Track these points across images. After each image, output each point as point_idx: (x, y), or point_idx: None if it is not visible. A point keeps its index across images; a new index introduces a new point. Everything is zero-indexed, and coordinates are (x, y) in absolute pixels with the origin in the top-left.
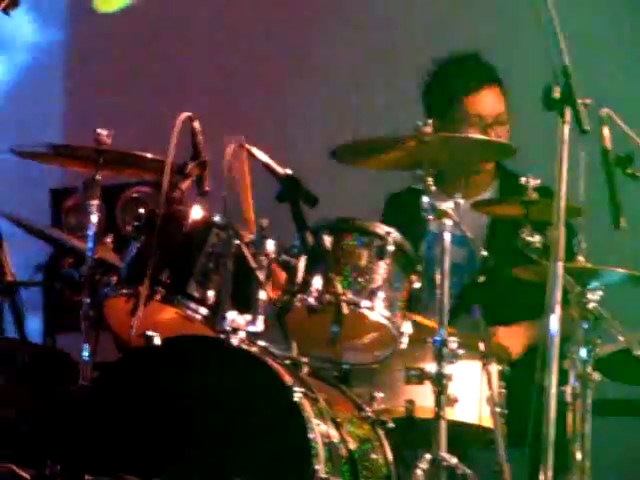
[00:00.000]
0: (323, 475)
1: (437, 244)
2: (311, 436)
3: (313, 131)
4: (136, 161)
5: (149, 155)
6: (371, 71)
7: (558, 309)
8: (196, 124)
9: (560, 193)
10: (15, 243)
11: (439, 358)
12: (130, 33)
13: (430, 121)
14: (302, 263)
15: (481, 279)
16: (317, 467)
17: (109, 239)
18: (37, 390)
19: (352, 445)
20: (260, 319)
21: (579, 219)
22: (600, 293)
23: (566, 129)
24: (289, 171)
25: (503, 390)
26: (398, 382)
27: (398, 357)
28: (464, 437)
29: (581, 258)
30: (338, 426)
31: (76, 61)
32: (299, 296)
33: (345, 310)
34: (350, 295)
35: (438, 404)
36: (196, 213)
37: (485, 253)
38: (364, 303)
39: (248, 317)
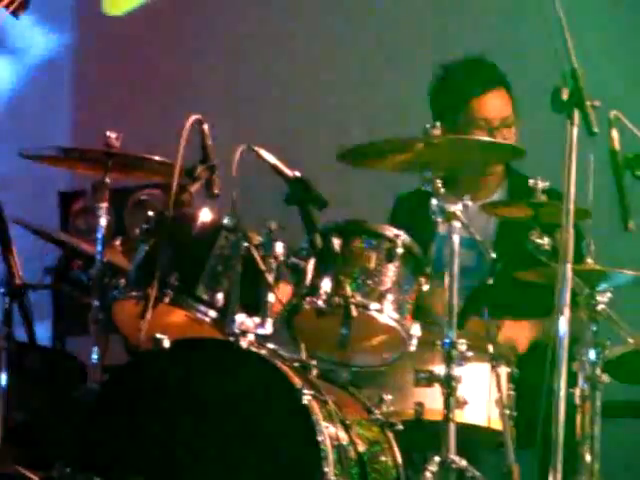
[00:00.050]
0: (332, 477)
1: (446, 246)
2: (320, 439)
3: (322, 133)
4: (145, 164)
5: (158, 158)
6: (380, 73)
7: (567, 311)
8: (205, 127)
9: (569, 195)
10: (24, 246)
11: (448, 360)
12: (139, 35)
13: (438, 124)
14: (311, 265)
15: (490, 281)
16: (326, 470)
17: (118, 242)
18: (46, 393)
19: (361, 447)
20: (269, 321)
21: (588, 221)
22: (609, 295)
23: (575, 131)
24: (298, 173)
25: (512, 392)
26: (407, 384)
27: (407, 359)
28: (473, 439)
29: (590, 260)
30: (347, 428)
31: (85, 64)
32: (308, 298)
33: (354, 312)
34: (359, 297)
35: (447, 406)
36: (205, 216)
37: (494, 255)
38: (373, 306)
39: (257, 319)
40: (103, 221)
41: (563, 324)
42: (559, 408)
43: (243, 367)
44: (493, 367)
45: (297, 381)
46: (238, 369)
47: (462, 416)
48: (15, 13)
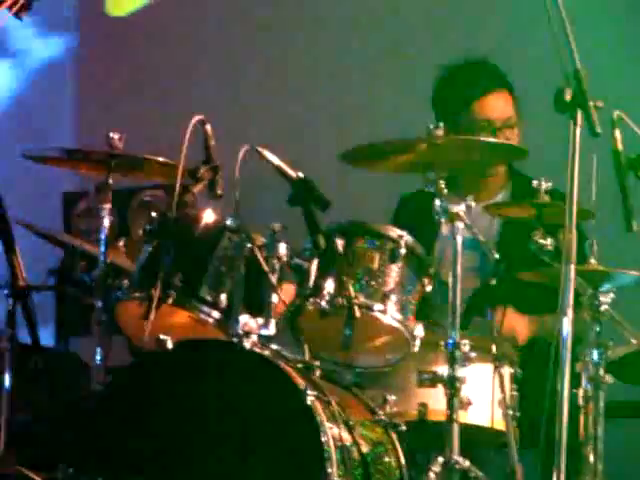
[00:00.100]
0: (336, 478)
1: (449, 247)
2: (324, 439)
3: (325, 134)
4: (148, 165)
5: (161, 159)
6: (383, 73)
7: (570, 312)
8: (208, 127)
9: (572, 196)
10: (27, 247)
11: (451, 361)
12: (141, 36)
13: (441, 124)
14: (314, 266)
15: (493, 282)
16: (330, 470)
17: (121, 243)
18: (49, 394)
19: (365, 448)
20: (272, 322)
21: (591, 222)
22: (612, 295)
23: (578, 132)
24: (301, 174)
25: (515, 393)
26: (410, 385)
27: (410, 360)
28: (477, 440)
29: (593, 260)
30: (351, 429)
31: (87, 65)
32: (311, 299)
33: (357, 313)
34: (362, 298)
35: (450, 407)
36: (208, 216)
37: (497, 256)
38: (376, 306)
39: (260, 320)
40: (106, 222)
41: (566, 325)
42: (562, 409)
43: (246, 368)
44: (496, 368)
45: (301, 382)
46: (241, 370)
47: (465, 417)
48: (17, 15)
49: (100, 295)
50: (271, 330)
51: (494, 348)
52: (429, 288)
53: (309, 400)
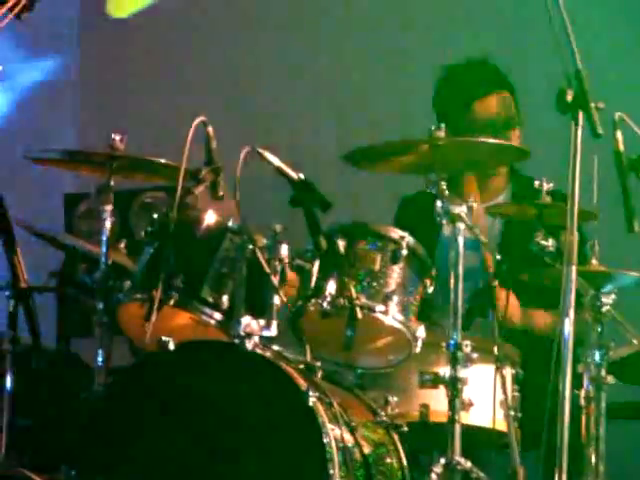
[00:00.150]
0: (338, 479)
1: (451, 248)
2: (326, 440)
3: (326, 135)
4: (149, 166)
5: (162, 160)
6: (384, 74)
7: (572, 313)
8: (210, 129)
9: (573, 197)
10: (29, 248)
11: (453, 362)
12: (143, 37)
13: (443, 125)
14: (316, 267)
15: (495, 283)
16: (332, 472)
17: (123, 244)
18: (51, 395)
19: (367, 449)
20: (274, 324)
21: (593, 222)
22: (613, 296)
23: (579, 133)
24: (302, 175)
25: (517, 393)
26: (412, 386)
27: (412, 361)
28: (478, 441)
29: (594, 261)
30: (353, 430)
31: (89, 66)
32: (313, 300)
33: (359, 314)
34: (364, 299)
35: (452, 408)
36: (210, 218)
37: (499, 257)
38: (378, 307)
39: (262, 322)
40: (108, 223)
41: (568, 326)
42: (564, 409)
43: (248, 369)
44: (498, 368)
45: (302, 383)
46: (243, 371)
47: (467, 418)
48: (19, 15)
49: (101, 296)
50: (273, 331)
51: (496, 349)
52: (431, 289)
53: (311, 401)
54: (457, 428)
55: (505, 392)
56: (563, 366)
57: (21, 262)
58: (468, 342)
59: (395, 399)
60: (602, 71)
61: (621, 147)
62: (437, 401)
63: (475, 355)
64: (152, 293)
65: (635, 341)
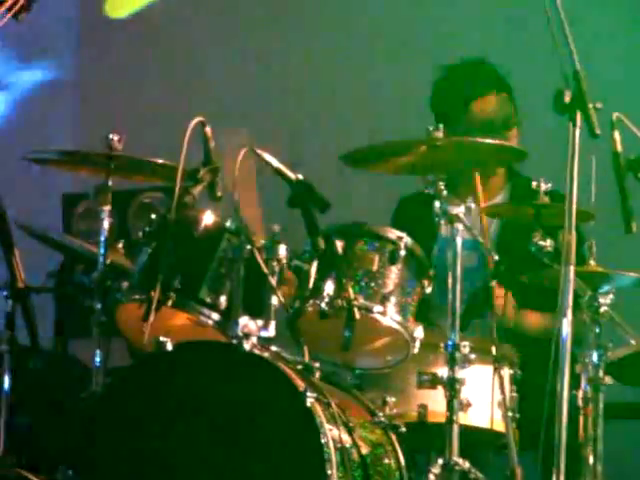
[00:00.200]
0: None
1: (449, 248)
2: (323, 441)
3: (324, 136)
4: (148, 166)
5: (161, 161)
6: (382, 75)
7: (570, 313)
8: (208, 129)
9: (571, 197)
10: (27, 248)
11: (451, 362)
12: (140, 38)
13: (441, 126)
14: (314, 268)
15: (492, 283)
16: (329, 472)
17: (121, 245)
18: (49, 396)
19: (364, 450)
20: (272, 324)
21: (590, 223)
22: (611, 297)
23: (577, 133)
24: (300, 176)
25: (515, 394)
26: (410, 387)
27: (410, 362)
28: (476, 441)
29: (592, 262)
30: (350, 431)
31: (87, 67)
32: (311, 301)
33: (357, 315)
34: (362, 300)
35: (450, 408)
36: (208, 218)
37: (497, 257)
38: (376, 308)
39: (260, 322)
40: (106, 224)
41: (565, 326)
42: (562, 410)
43: (246, 370)
44: (496, 369)
45: (300, 383)
46: (241, 372)
47: (465, 418)
48: (17, 16)
49: (99, 297)
50: (271, 332)
51: (494, 350)
52: (429, 290)
53: (309, 402)
54: (455, 429)
55: (503, 392)
56: (561, 366)
57: (19, 262)
58: (466, 343)
59: (393, 399)
60: (600, 71)
61: (619, 148)
62: (435, 402)
63: (473, 356)
64: (150, 293)
65: (633, 342)
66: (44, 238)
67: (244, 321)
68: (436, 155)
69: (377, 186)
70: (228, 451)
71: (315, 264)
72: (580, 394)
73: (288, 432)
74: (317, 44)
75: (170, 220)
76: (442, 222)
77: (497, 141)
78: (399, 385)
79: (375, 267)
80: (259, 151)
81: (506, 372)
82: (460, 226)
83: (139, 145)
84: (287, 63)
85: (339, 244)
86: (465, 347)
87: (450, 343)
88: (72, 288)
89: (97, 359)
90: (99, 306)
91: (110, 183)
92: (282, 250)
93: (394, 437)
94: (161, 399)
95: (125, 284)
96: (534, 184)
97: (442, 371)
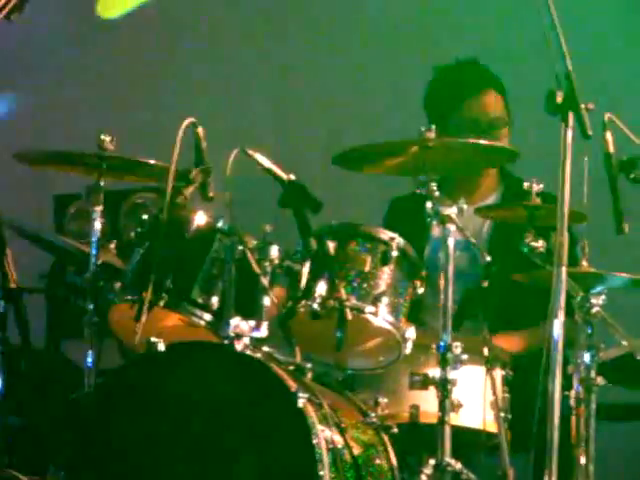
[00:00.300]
0: None
1: (441, 249)
2: (315, 442)
3: (316, 136)
4: (139, 167)
5: (152, 161)
6: (375, 75)
7: (562, 314)
8: (200, 129)
9: (563, 198)
10: (19, 249)
11: (443, 363)
12: (134, 38)
13: (433, 126)
14: (306, 269)
15: (485, 284)
16: (321, 473)
17: (112, 245)
18: (40, 397)
19: (356, 451)
20: (264, 325)
21: (582, 224)
22: (603, 298)
23: (569, 134)
24: (293, 176)
25: (507, 395)
26: (402, 387)
27: (402, 362)
28: (468, 442)
29: (584, 263)
30: (342, 431)
31: (80, 67)
32: (303, 302)
33: (349, 316)
34: (354, 301)
35: (442, 409)
36: (200, 219)
37: (489, 258)
38: (368, 309)
39: (252, 323)
40: (98, 224)
41: (557, 327)
42: (554, 411)
43: (238, 370)
44: (488, 370)
45: (292, 384)
46: (233, 372)
47: (457, 419)
48: (8, 16)
49: (91, 297)
50: (263, 332)
51: (486, 350)
52: (421, 290)
53: (301, 402)
54: (447, 429)
55: (495, 393)
56: (553, 367)
57: (11, 263)
58: (458, 343)
59: (385, 400)
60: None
61: (611, 148)
62: (427, 402)
63: (465, 356)
64: (142, 294)
65: (625, 342)
66: (36, 239)
67: (236, 322)
68: (428, 156)
69: (369, 187)
70: (220, 451)
71: (307, 265)
72: (572, 395)
73: (280, 433)
74: (309, 45)
75: (162, 220)
76: (434, 223)
77: (489, 142)
78: (391, 386)
79: (367, 268)
80: (251, 151)
81: (498, 373)
82: (452, 227)
83: (131, 145)
84: (279, 64)
85: (331, 245)
86: (457, 348)
87: (442, 344)
88: (64, 289)
89: (89, 359)
90: (91, 307)
91: (102, 183)
92: (274, 250)
93: (386, 438)
94: (153, 400)
95: (117, 285)
96: (526, 185)
97: (434, 372)
